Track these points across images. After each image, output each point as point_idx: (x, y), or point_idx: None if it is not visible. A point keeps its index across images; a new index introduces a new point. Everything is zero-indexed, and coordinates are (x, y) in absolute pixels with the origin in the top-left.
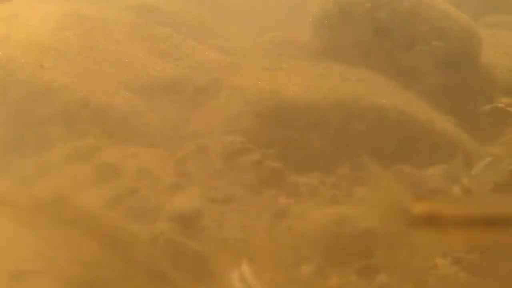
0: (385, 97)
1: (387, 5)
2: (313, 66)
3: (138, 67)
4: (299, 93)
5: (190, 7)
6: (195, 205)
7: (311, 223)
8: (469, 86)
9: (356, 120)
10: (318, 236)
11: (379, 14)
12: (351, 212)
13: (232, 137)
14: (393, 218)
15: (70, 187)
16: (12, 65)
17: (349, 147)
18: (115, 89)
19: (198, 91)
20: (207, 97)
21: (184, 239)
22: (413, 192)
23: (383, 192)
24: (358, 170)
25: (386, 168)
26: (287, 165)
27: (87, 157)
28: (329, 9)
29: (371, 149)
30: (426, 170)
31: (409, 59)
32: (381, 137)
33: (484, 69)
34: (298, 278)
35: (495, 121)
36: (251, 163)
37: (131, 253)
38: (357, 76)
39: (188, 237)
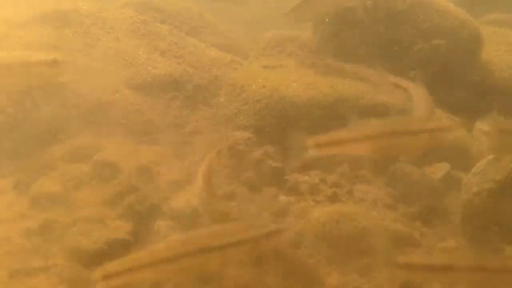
0: (386, 94)
1: (387, 3)
2: (313, 64)
3: (138, 65)
4: (299, 91)
5: (191, 4)
6: (195, 203)
7: (311, 221)
8: (469, 84)
9: (356, 118)
10: (318, 234)
11: (380, 12)
12: (351, 210)
13: (233, 135)
14: None
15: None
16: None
17: None
18: (116, 87)
19: (198, 88)
20: (207, 94)
21: None
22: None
23: None
24: (358, 169)
25: (387, 165)
26: (287, 163)
27: (87, 155)
28: None
29: None
30: (426, 168)
31: (410, 57)
32: None
33: (485, 67)
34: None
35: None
36: (251, 161)
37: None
38: (358, 74)
39: None
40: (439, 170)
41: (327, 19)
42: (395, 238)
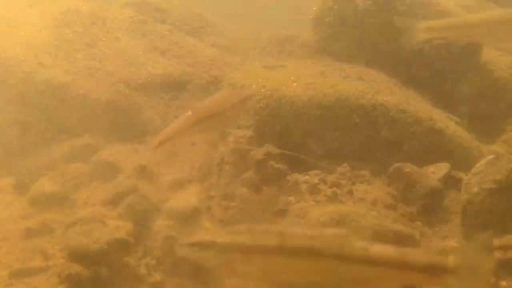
0: (386, 94)
1: (387, 3)
2: (313, 64)
3: (138, 64)
4: (299, 91)
5: (190, 4)
6: (195, 203)
7: (312, 221)
8: (469, 84)
9: (357, 118)
10: None
11: (379, 12)
12: (351, 210)
13: (233, 134)
14: None
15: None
16: (11, 62)
17: (349, 145)
18: (115, 87)
19: (198, 88)
20: (208, 94)
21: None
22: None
23: None
24: (358, 169)
25: (387, 165)
26: (287, 163)
27: (87, 155)
28: (330, 7)
29: (372, 146)
30: (427, 168)
31: (410, 57)
32: (382, 135)
33: (485, 67)
34: None
35: (495, 120)
36: (251, 161)
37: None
38: (358, 74)
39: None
40: (439, 170)
41: (326, 19)
42: (395, 238)
